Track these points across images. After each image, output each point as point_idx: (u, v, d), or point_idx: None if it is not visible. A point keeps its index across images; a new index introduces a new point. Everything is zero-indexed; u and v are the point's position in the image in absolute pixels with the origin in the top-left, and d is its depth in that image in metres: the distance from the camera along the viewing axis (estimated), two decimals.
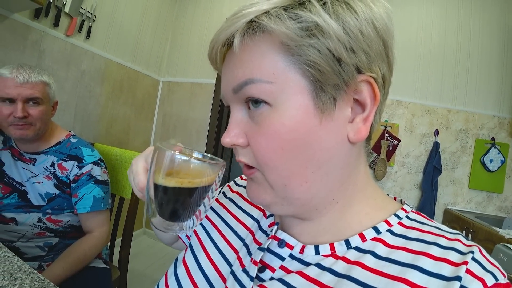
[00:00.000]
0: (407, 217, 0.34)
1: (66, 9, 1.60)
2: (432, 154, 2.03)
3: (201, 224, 0.49)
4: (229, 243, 0.42)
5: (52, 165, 0.98)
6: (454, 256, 0.28)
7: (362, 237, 0.32)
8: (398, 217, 0.33)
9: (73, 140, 1.05)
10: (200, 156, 0.36)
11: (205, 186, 0.33)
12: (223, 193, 0.53)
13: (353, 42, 0.26)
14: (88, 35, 1.78)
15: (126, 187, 1.22)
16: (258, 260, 0.34)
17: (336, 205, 0.33)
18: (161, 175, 0.31)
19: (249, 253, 0.37)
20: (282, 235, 0.36)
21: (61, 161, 0.99)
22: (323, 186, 0.31)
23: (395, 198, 0.39)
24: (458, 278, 0.26)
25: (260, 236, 0.39)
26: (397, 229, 0.32)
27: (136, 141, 2.39)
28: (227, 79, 0.32)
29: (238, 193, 0.51)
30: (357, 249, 0.31)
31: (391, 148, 2.09)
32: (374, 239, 0.32)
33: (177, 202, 0.33)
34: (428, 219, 0.34)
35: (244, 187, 0.51)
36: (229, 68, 0.31)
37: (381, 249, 0.30)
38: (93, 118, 1.95)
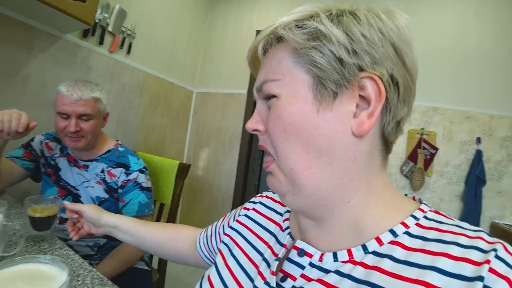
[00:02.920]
0: (425, 217, 0.33)
1: (110, 28, 1.73)
2: (475, 163, 1.90)
3: (224, 243, 0.52)
4: (250, 259, 0.44)
5: (102, 171, 1.06)
6: (475, 255, 0.27)
7: (379, 241, 0.32)
8: (415, 218, 0.33)
9: (120, 149, 1.13)
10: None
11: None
12: (242, 214, 0.55)
13: (355, 45, 0.30)
14: (128, 51, 1.91)
15: (166, 194, 1.27)
16: (274, 270, 0.36)
17: (347, 205, 0.34)
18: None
19: (269, 266, 0.39)
20: (301, 244, 0.37)
21: (110, 168, 1.06)
22: (327, 175, 0.33)
23: (413, 198, 0.38)
24: (480, 278, 0.25)
25: (278, 249, 0.41)
26: (414, 230, 0.32)
27: (171, 149, 2.49)
28: (255, 81, 0.39)
29: (254, 209, 0.53)
30: (375, 253, 0.31)
31: (428, 157, 1.99)
32: (391, 242, 0.31)
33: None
34: (448, 217, 0.33)
35: (259, 202, 0.54)
36: (258, 72, 0.39)
37: (398, 252, 0.30)
38: (133, 128, 2.07)
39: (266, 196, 0.56)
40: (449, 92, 1.98)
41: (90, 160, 1.08)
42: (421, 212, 0.34)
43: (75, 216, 0.72)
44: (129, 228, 0.68)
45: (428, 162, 1.99)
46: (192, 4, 2.48)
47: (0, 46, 1.28)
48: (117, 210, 1.05)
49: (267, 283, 0.37)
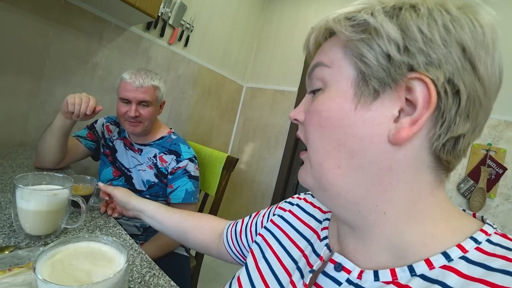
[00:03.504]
0: (489, 240, 0.28)
1: (171, 21, 1.82)
2: None
3: (256, 243, 0.50)
4: (283, 265, 0.42)
5: (155, 156, 1.12)
6: None
7: (429, 263, 0.27)
8: (476, 241, 0.28)
9: (173, 136, 1.18)
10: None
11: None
12: (277, 214, 0.53)
13: (409, 41, 0.27)
14: (186, 44, 1.98)
15: (211, 185, 1.30)
16: (308, 283, 0.34)
17: (384, 216, 0.30)
18: None
19: (302, 277, 0.37)
20: (338, 258, 0.34)
21: (162, 154, 1.12)
22: (358, 180, 0.30)
23: (474, 215, 0.32)
24: None
25: (314, 260, 0.38)
26: (474, 255, 0.27)
27: (217, 141, 2.56)
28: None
29: (290, 212, 0.51)
30: (423, 277, 0.27)
31: (493, 177, 1.75)
32: (443, 267, 0.27)
33: None
34: None
35: (297, 205, 0.52)
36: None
37: (453, 280, 0.25)
38: (184, 117, 2.16)
39: (305, 199, 0.53)
40: None
41: (145, 145, 1.15)
42: (483, 235, 0.28)
43: (106, 198, 0.79)
44: (154, 214, 0.71)
45: (492, 182, 1.76)
46: (249, 0, 2.50)
47: (77, 36, 1.41)
48: (165, 195, 1.10)
49: None
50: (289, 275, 0.39)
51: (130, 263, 0.56)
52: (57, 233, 0.62)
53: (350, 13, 0.30)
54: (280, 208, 0.54)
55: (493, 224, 0.30)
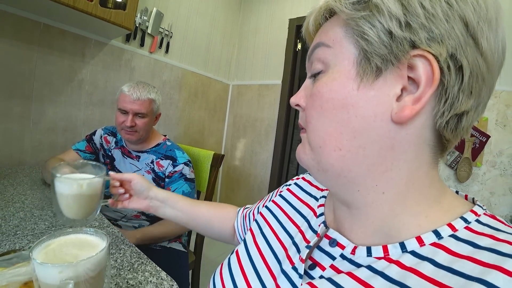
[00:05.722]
0: (478, 221, 0.29)
1: (149, 30, 1.88)
2: None
3: (255, 220, 0.52)
4: (279, 240, 0.43)
5: (152, 162, 1.21)
6: None
7: (420, 241, 0.28)
8: (465, 220, 0.29)
9: (168, 143, 1.28)
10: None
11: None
12: (280, 194, 0.55)
13: (410, 17, 0.26)
14: (167, 50, 2.05)
15: (202, 182, 1.39)
16: (304, 258, 0.35)
17: (382, 197, 0.31)
18: None
19: (299, 251, 0.38)
20: (333, 234, 0.35)
21: (158, 160, 1.21)
22: (359, 160, 0.30)
23: (466, 197, 0.33)
24: None
25: (310, 236, 0.40)
26: (463, 234, 0.28)
27: (210, 140, 2.64)
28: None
29: (288, 190, 0.53)
30: (414, 253, 0.28)
31: (477, 145, 1.80)
32: (434, 244, 0.28)
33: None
34: (507, 225, 0.28)
35: (295, 184, 0.54)
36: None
37: (441, 257, 0.26)
38: (174, 121, 2.24)
39: (303, 178, 0.54)
40: (507, 71, 1.76)
41: (142, 152, 1.24)
42: (473, 215, 0.29)
43: (121, 190, 0.66)
44: (179, 203, 0.68)
45: (477, 151, 1.81)
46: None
47: (60, 56, 1.49)
48: None
49: (294, 268, 0.36)
50: (285, 249, 0.41)
51: (121, 255, 0.64)
52: (93, 218, 0.63)
53: None
54: (288, 189, 0.55)
55: (483, 206, 0.31)
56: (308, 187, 0.51)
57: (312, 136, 0.33)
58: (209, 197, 1.36)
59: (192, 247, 1.41)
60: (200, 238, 1.35)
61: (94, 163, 0.64)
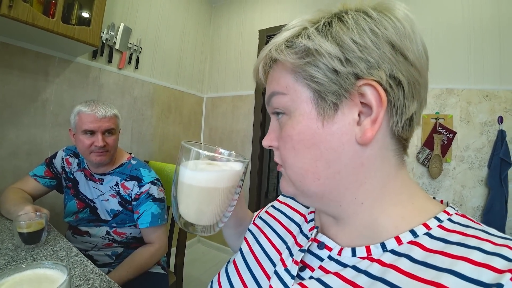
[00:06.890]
0: (450, 219, 0.32)
1: (117, 46, 1.83)
2: (497, 144, 1.77)
3: (250, 231, 0.55)
4: (274, 246, 0.46)
5: (116, 184, 1.13)
6: (498, 263, 0.25)
7: (398, 240, 0.32)
8: (438, 220, 0.32)
9: (133, 162, 1.20)
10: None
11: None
12: (272, 205, 0.58)
13: (348, 53, 0.30)
14: (136, 66, 2.00)
15: None
16: (298, 261, 0.38)
17: (362, 206, 0.35)
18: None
19: (291, 255, 0.41)
20: (322, 237, 0.39)
21: (123, 181, 1.13)
22: (337, 183, 0.34)
23: (441, 202, 0.37)
24: (499, 286, 0.23)
25: (301, 239, 0.43)
26: (436, 232, 0.31)
27: None
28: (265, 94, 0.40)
29: (284, 203, 0.56)
30: (393, 252, 0.31)
31: (445, 142, 1.89)
32: (410, 242, 0.31)
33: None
34: (476, 222, 0.32)
35: (291, 198, 0.56)
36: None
37: (417, 253, 0.30)
38: (147, 138, 2.17)
39: None
40: (464, 71, 1.83)
41: (105, 174, 1.15)
42: (445, 215, 0.33)
43: None
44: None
45: (446, 147, 1.90)
46: (195, 11, 2.55)
47: (21, 75, 1.40)
48: (132, 220, 1.12)
49: (287, 270, 0.39)
50: (280, 253, 0.44)
51: (90, 285, 0.59)
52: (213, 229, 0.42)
53: (288, 40, 0.33)
54: (278, 200, 0.59)
55: (455, 207, 0.35)
56: None
57: (291, 173, 0.36)
58: None
59: (172, 267, 1.34)
60: (180, 259, 1.29)
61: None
